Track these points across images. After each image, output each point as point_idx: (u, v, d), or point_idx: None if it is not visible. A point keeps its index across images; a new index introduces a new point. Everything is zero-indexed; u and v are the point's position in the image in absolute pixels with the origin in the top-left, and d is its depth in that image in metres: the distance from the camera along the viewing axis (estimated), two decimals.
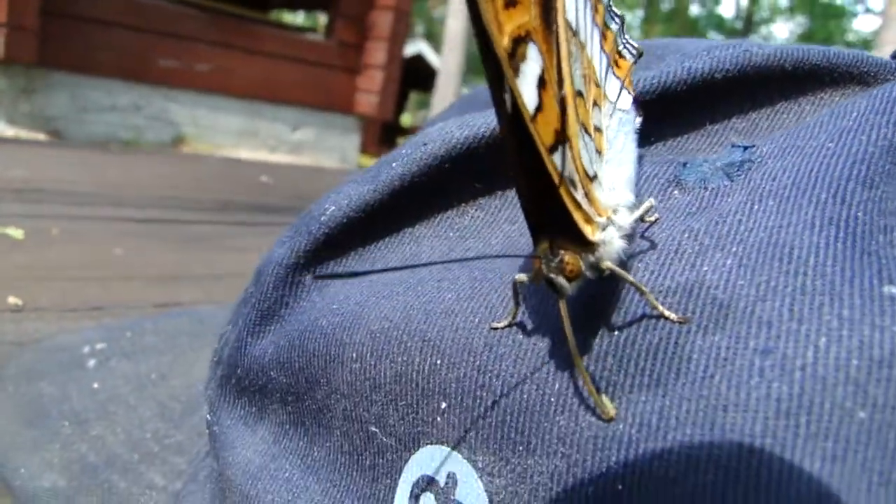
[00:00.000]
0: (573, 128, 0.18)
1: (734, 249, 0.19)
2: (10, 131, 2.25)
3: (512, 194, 0.27)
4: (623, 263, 0.19)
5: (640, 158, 0.24)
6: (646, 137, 0.25)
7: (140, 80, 2.62)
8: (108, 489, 0.34)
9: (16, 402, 0.41)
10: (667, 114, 0.26)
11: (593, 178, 0.19)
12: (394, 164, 0.26)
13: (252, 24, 2.98)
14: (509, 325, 0.21)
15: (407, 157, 0.26)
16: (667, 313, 0.18)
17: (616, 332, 0.19)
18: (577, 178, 0.18)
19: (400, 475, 0.22)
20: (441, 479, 0.21)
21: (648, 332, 0.18)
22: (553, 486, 0.18)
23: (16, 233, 0.69)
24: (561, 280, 0.18)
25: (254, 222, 1.10)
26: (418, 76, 6.39)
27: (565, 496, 0.18)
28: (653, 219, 0.22)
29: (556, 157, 0.17)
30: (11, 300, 0.56)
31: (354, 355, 0.23)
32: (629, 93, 0.23)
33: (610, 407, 0.18)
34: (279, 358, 0.26)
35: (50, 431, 0.38)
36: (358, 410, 0.23)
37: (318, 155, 3.16)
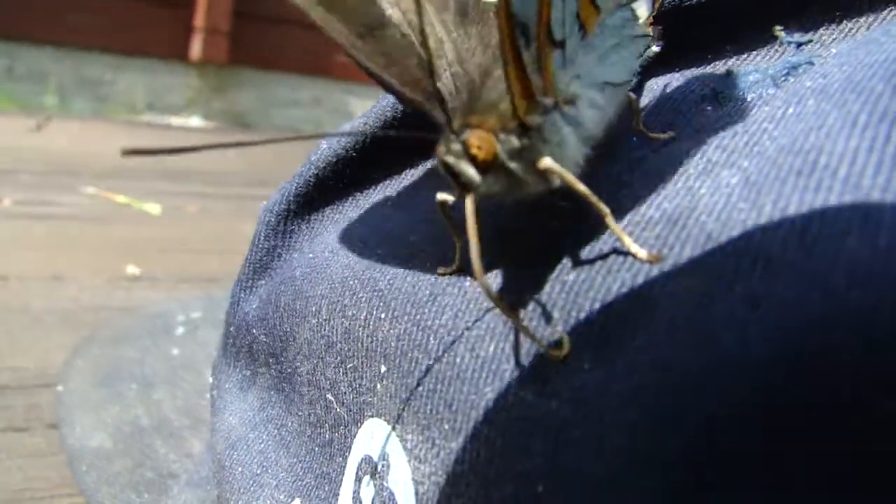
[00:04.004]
0: None
1: (745, 164, 0.13)
2: (206, 126, 2.43)
3: None
4: (583, 176, 0.14)
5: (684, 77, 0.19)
6: (700, 51, 0.20)
7: (320, 76, 2.74)
8: (147, 453, 0.33)
9: (96, 363, 0.42)
10: (723, 20, 0.20)
11: (557, 45, 0.14)
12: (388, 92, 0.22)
13: None
14: (458, 271, 0.16)
15: None
16: (634, 248, 0.13)
17: (571, 276, 0.14)
18: (532, 28, 0.13)
19: (350, 453, 0.18)
20: (379, 462, 0.17)
21: (610, 276, 0.13)
22: (473, 479, 0.14)
23: (153, 208, 0.72)
24: (463, 166, 0.13)
25: None
26: None
27: (483, 495, 0.13)
28: (664, 136, 0.16)
29: None
30: (130, 270, 0.58)
31: (314, 309, 0.20)
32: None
33: (565, 344, 0.13)
34: (260, 314, 0.23)
35: (115, 393, 0.38)
36: (316, 374, 0.20)
37: None
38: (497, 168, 0.13)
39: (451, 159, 0.13)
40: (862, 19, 0.17)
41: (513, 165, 0.13)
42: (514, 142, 0.13)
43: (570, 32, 0.15)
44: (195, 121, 2.47)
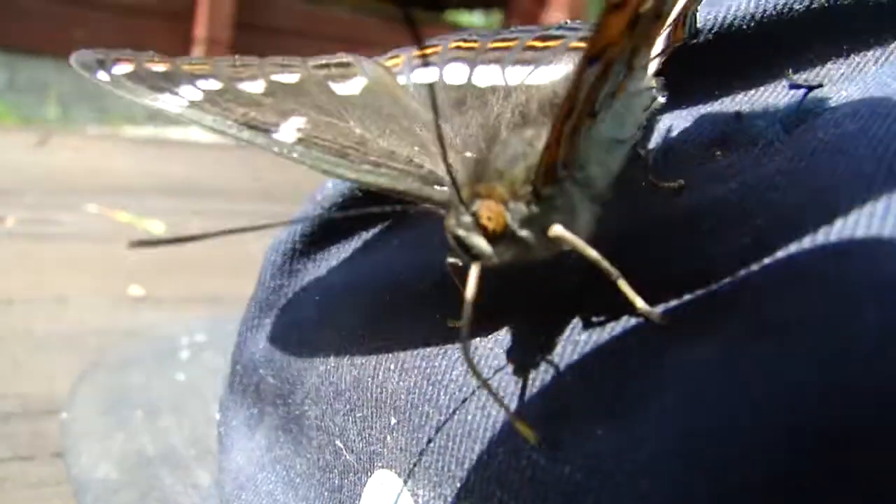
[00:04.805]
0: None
1: (758, 223, 0.13)
2: (207, 138, 2.43)
3: None
4: (594, 240, 0.14)
5: (693, 116, 0.19)
6: (707, 87, 0.20)
7: None
8: (153, 484, 0.33)
9: (102, 390, 0.41)
10: (732, 58, 0.20)
11: (592, 117, 0.14)
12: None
13: (424, 26, 3.02)
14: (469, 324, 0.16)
15: None
16: (646, 309, 0.13)
17: (583, 336, 0.14)
18: (578, 104, 0.13)
19: (360, 502, 0.18)
20: None
21: (621, 339, 0.13)
22: None
23: (156, 227, 0.72)
24: (474, 238, 0.13)
25: None
26: None
27: None
28: (674, 185, 0.16)
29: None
30: (133, 291, 0.58)
31: (322, 356, 0.20)
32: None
33: (530, 434, 0.13)
34: (267, 355, 0.23)
35: (121, 420, 0.38)
36: (325, 420, 0.20)
37: None
38: (507, 237, 0.13)
39: (461, 232, 0.13)
40: (869, 53, 0.17)
41: (523, 234, 0.13)
42: (524, 210, 0.13)
43: (605, 103, 0.15)
44: (195, 133, 2.47)
